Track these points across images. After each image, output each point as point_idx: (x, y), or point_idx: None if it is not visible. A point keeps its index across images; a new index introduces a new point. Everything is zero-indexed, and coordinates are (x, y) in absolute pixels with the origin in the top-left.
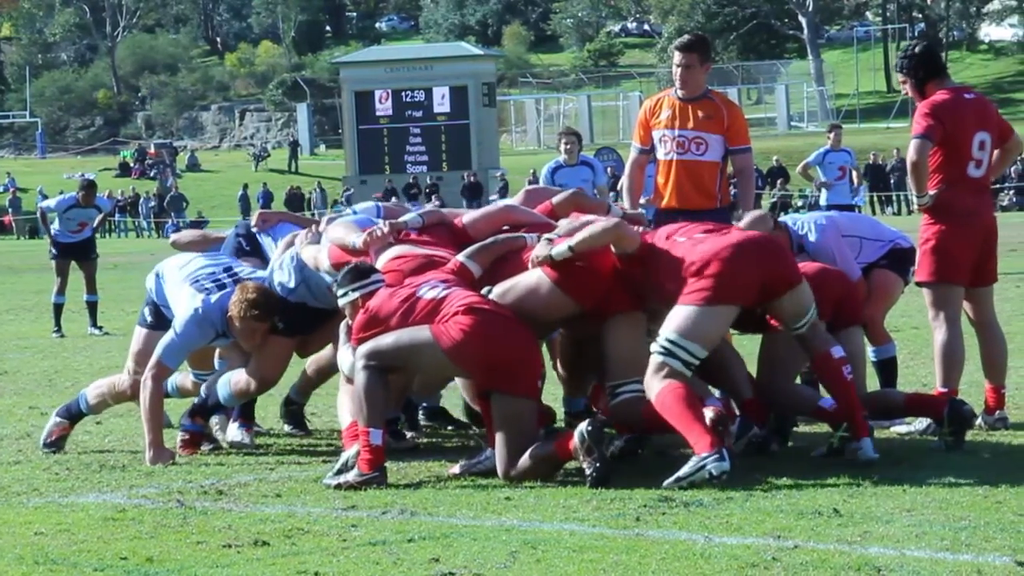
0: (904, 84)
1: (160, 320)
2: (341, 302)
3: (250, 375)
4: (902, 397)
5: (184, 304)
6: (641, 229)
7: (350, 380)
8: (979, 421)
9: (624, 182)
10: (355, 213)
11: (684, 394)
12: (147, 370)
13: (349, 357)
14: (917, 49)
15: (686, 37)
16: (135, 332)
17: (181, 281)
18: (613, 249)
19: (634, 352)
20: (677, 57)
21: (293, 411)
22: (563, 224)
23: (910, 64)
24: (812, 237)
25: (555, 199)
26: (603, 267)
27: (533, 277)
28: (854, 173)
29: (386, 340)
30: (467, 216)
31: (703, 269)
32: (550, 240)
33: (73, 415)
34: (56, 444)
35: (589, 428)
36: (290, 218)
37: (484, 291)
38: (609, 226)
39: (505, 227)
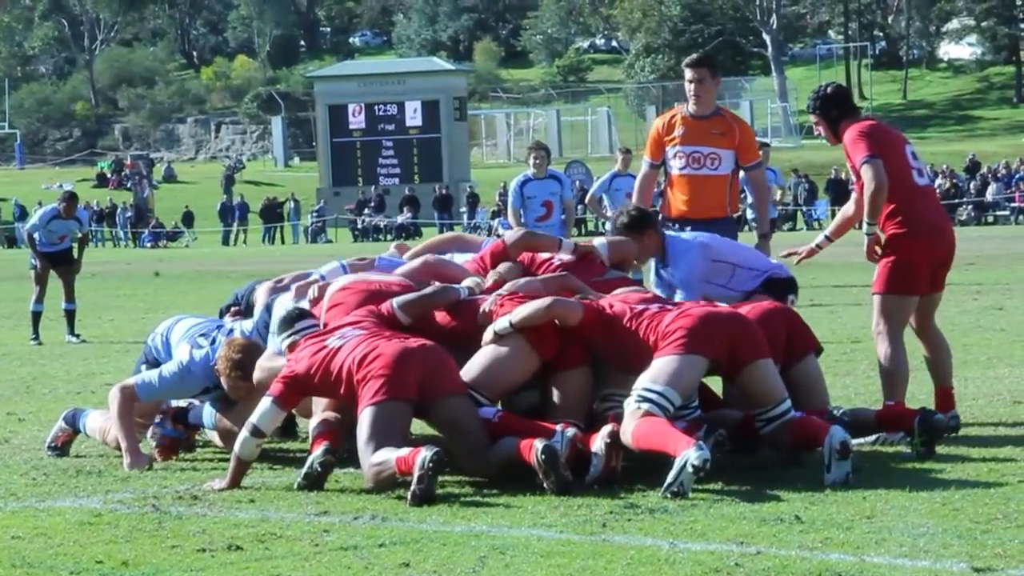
0: (818, 126)
1: None
2: (280, 347)
3: (237, 424)
4: (872, 414)
5: (177, 356)
6: (587, 298)
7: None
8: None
9: (635, 196)
10: (323, 278)
11: (657, 419)
12: (119, 384)
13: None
14: (829, 90)
15: (695, 55)
16: None
17: (180, 340)
18: (557, 322)
19: (580, 398)
20: (689, 74)
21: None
22: (508, 284)
23: (822, 105)
24: (678, 248)
25: (507, 238)
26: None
27: (491, 345)
28: (779, 192)
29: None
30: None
31: (676, 325)
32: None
33: (75, 427)
34: (61, 449)
35: (543, 456)
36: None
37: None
38: (544, 307)
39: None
